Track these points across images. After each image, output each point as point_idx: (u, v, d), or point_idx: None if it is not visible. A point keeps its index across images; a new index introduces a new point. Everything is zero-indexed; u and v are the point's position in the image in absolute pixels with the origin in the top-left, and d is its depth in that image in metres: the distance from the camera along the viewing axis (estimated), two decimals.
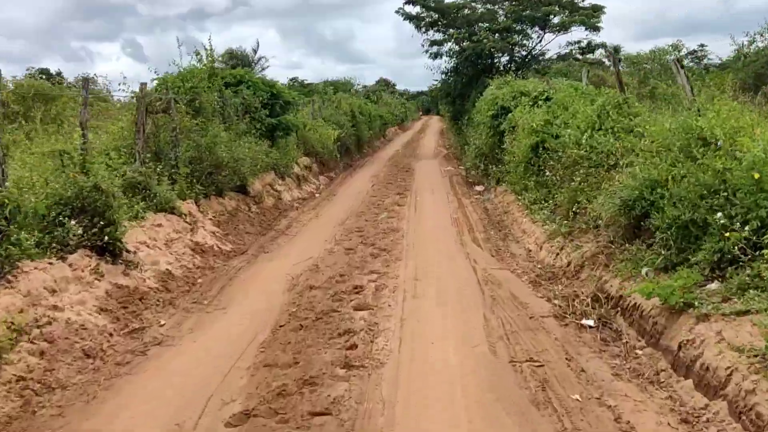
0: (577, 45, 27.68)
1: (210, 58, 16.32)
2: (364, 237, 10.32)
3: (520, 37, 26.98)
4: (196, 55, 16.14)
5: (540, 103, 14.02)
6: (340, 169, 23.94)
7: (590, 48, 27.11)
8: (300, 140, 20.24)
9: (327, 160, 22.14)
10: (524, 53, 27.90)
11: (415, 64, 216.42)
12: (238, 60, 56.46)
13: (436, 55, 28.16)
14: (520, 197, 11.81)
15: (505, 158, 14.70)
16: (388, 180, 19.37)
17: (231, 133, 13.51)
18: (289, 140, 17.75)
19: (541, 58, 28.36)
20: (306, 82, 59.21)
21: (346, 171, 24.02)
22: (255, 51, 56.93)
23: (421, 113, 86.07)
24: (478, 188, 16.63)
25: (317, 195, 17.47)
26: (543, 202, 10.28)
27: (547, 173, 9.87)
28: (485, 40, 25.12)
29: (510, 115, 15.17)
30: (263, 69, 57.05)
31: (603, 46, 26.99)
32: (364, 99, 41.80)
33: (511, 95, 15.85)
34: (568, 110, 11.02)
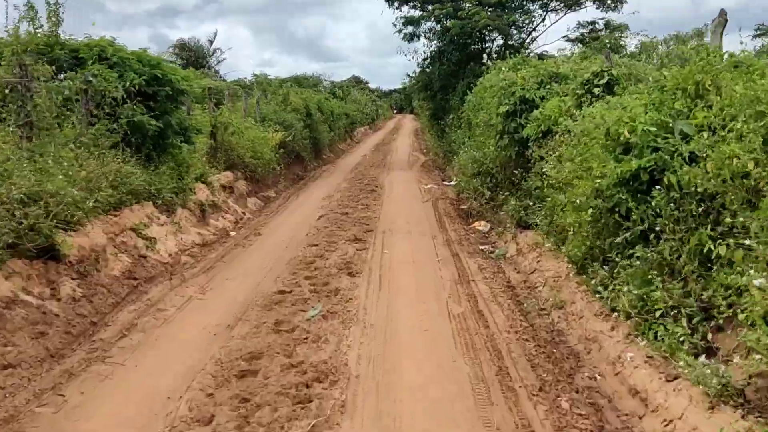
0: (590, 27, 21.90)
1: (53, 20, 10.18)
2: (249, 411, 4.18)
3: (519, 14, 21.07)
4: (30, 11, 9.97)
5: (596, 91, 8.10)
6: (285, 184, 17.79)
7: (608, 30, 21.28)
8: (218, 148, 14.09)
9: (263, 174, 15.99)
10: (524, 36, 22.02)
11: (389, 63, 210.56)
12: (190, 52, 50.30)
13: (411, 37, 22.14)
14: (591, 279, 5.80)
15: (533, 185, 8.78)
16: (345, 207, 13.26)
17: (35, 144, 7.33)
18: (188, 150, 11.56)
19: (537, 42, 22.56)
20: (270, 78, 52.93)
21: (294, 187, 17.89)
22: (211, 42, 50.95)
23: (395, 111, 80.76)
24: (481, 227, 10.64)
25: (233, 234, 11.30)
26: (685, 320, 4.28)
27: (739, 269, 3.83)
28: (476, 16, 19.14)
29: (537, 111, 9.26)
30: (219, 62, 50.99)
31: (624, 28, 21.20)
32: (327, 94, 35.72)
33: (536, 80, 9.91)
34: (722, 101, 5.05)
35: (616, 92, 7.91)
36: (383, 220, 11.58)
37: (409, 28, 22.45)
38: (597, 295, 5.56)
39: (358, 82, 74.30)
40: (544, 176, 8.01)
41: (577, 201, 5.93)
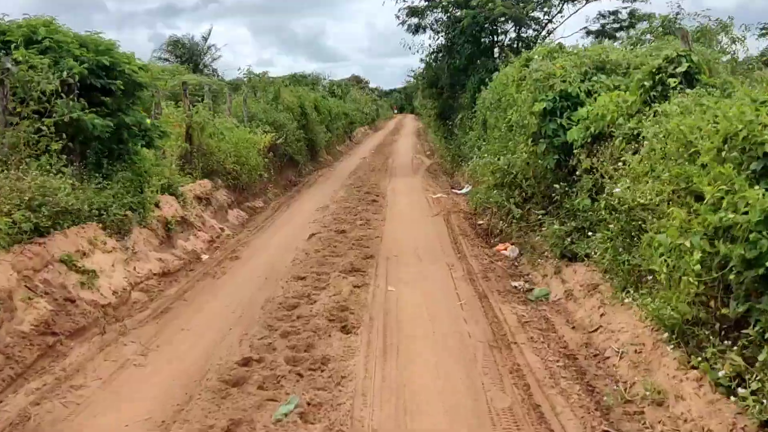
0: (612, 18, 19.92)
1: None
2: None
3: (537, 2, 19.06)
4: None
5: (671, 83, 6.13)
6: (275, 192, 15.83)
7: (633, 21, 19.30)
8: (195, 152, 12.12)
9: (249, 181, 14.00)
10: (539, 28, 20.01)
11: (389, 63, 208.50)
12: (184, 49, 48.44)
13: (417, 29, 20.17)
14: (709, 363, 3.80)
15: (581, 204, 6.83)
16: (341, 222, 11.27)
17: None
18: (154, 156, 9.60)
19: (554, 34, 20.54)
20: (261, 74, 50.93)
21: (285, 195, 15.93)
22: (205, 39, 49.24)
23: (395, 111, 79.13)
24: (507, 251, 8.65)
25: (205, 257, 9.34)
26: None
27: None
28: (490, 4, 17.13)
29: (583, 110, 7.29)
30: (213, 59, 49.22)
31: (648, 18, 19.18)
32: (324, 93, 33.78)
33: (579, 71, 7.94)
34: None
35: (703, 83, 5.94)
36: (386, 242, 9.59)
37: (414, 20, 20.50)
38: (724, 391, 3.57)
39: (358, 81, 72.56)
40: (605, 195, 6.03)
41: (688, 243, 3.91)
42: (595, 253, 6.24)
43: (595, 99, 7.47)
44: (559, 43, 10.55)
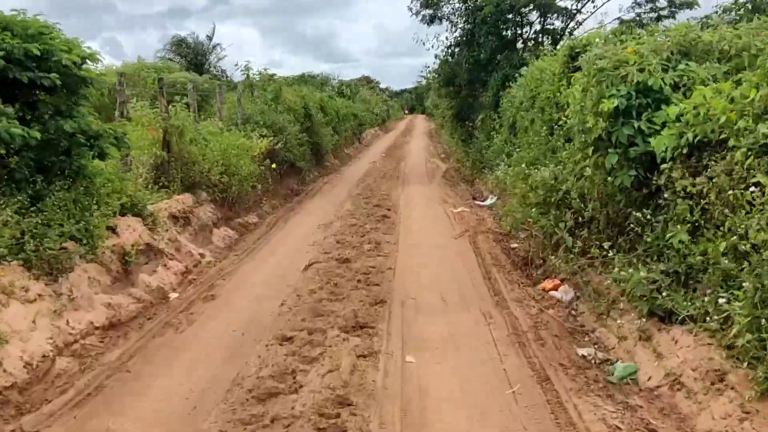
0: (649, 6, 17.83)
1: None
2: None
3: None
4: None
5: None
6: (273, 203, 13.92)
7: (673, 9, 17.21)
8: (173, 161, 10.20)
9: (240, 194, 12.07)
10: (567, 19, 17.98)
11: (398, 63, 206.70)
12: (189, 49, 46.77)
13: (431, 19, 18.20)
14: None
15: (677, 240, 4.83)
16: (345, 245, 9.30)
17: None
18: (103, 170, 7.69)
19: (584, 26, 18.47)
20: (258, 72, 49.23)
21: (284, 207, 14.03)
22: (210, 38, 47.59)
23: (406, 111, 77.47)
24: (559, 292, 6.65)
25: (173, 296, 7.43)
26: None
27: None
28: None
29: (672, 108, 5.29)
30: (219, 59, 47.64)
31: (692, 5, 17.10)
32: (331, 93, 31.89)
33: (662, 59, 5.93)
34: None
35: None
36: (401, 276, 7.62)
37: (428, 11, 18.57)
38: None
39: (368, 81, 70.78)
40: (727, 232, 4.05)
41: None
42: (710, 317, 4.25)
43: (685, 94, 5.49)
44: (627, 23, 8.51)
